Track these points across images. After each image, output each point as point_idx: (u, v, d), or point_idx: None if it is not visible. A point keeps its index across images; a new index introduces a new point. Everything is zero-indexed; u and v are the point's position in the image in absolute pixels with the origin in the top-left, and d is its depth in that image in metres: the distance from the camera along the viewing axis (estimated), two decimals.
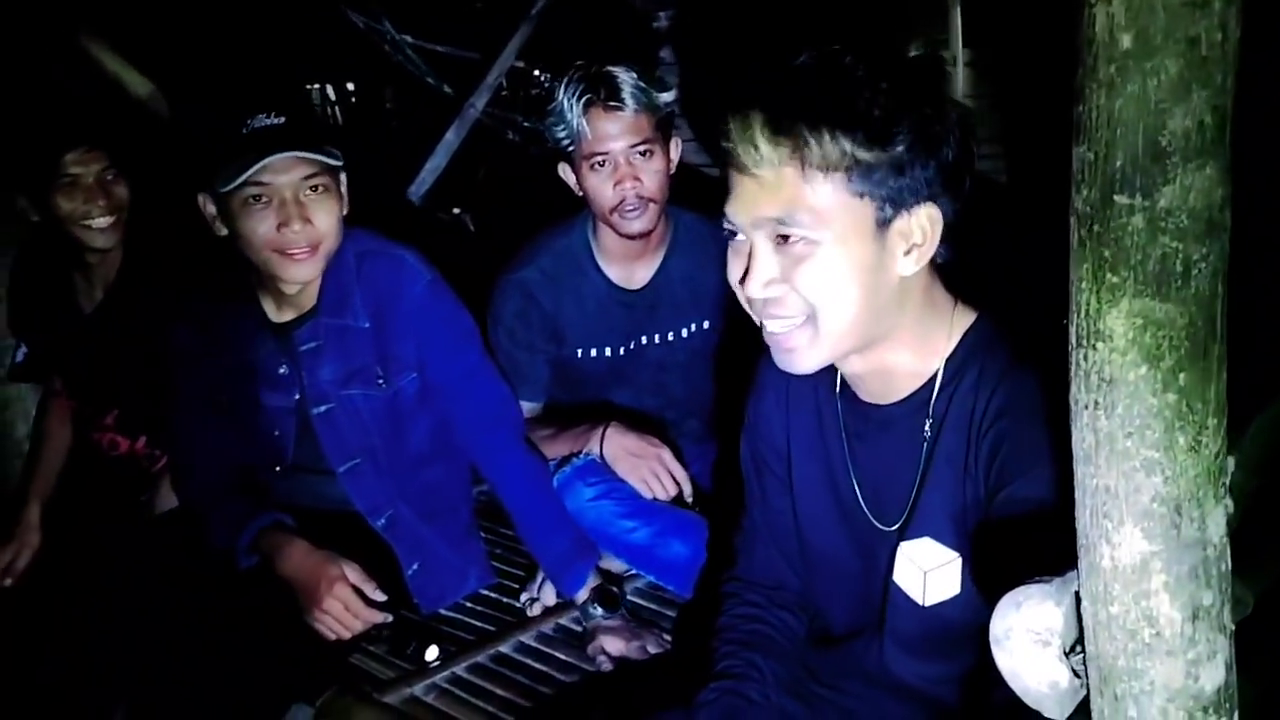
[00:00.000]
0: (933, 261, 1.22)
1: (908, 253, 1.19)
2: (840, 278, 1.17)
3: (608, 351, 2.30)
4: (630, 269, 2.28)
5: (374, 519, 2.03)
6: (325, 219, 1.86)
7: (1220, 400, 0.80)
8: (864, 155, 1.13)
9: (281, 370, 2.00)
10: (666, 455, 2.11)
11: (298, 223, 1.82)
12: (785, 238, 1.17)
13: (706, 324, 2.33)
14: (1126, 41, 0.75)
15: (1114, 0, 0.74)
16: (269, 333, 2.00)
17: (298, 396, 2.00)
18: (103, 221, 2.19)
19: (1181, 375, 0.80)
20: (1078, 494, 0.88)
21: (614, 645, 1.89)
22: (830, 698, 1.43)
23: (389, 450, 2.03)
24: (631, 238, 2.18)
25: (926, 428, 1.26)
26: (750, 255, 1.20)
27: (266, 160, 1.77)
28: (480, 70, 3.66)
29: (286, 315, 2.00)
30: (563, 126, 2.10)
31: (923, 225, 1.18)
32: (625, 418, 2.20)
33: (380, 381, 1.98)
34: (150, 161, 2.29)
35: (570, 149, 2.12)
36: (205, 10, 4.06)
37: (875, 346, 1.24)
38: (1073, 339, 0.85)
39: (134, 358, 2.25)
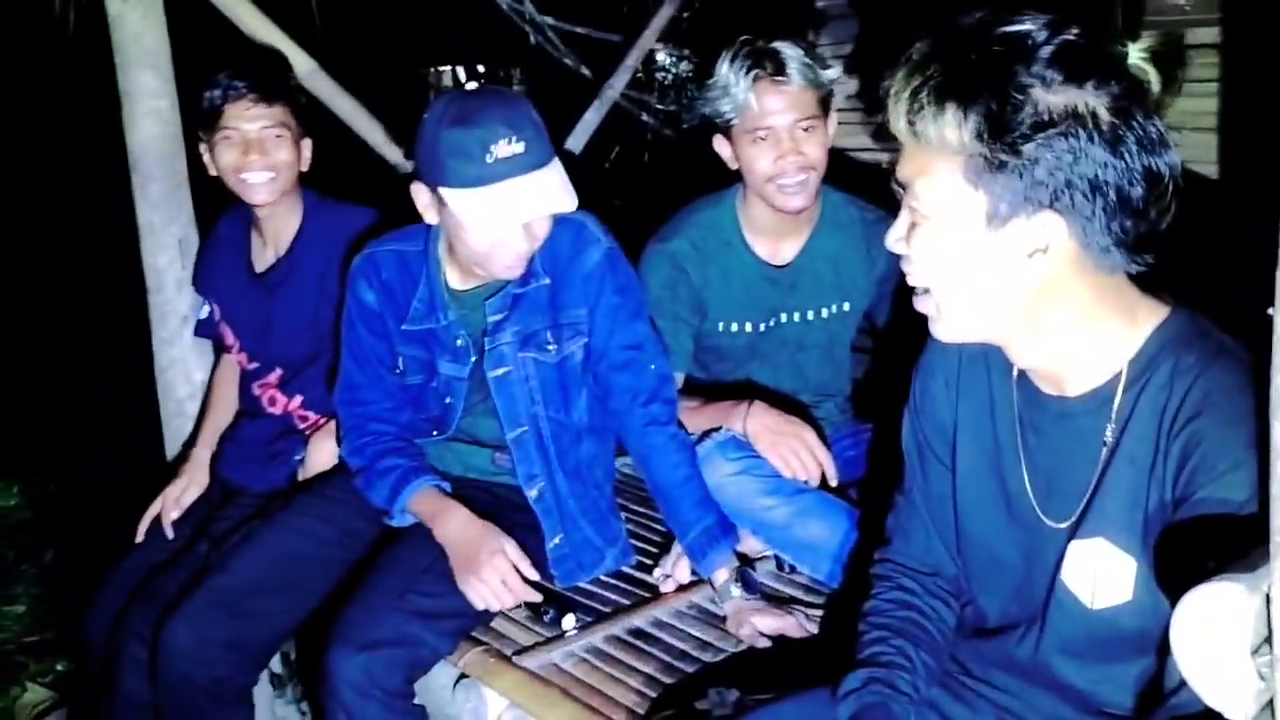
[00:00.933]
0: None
1: (1031, 255, 1.14)
2: (946, 259, 1.18)
3: (748, 327, 2.31)
4: (777, 244, 2.29)
5: (528, 488, 2.07)
6: (544, 235, 1.91)
7: None
8: (980, 150, 1.11)
9: (459, 341, 2.04)
10: (809, 435, 2.09)
11: (527, 244, 1.88)
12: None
13: (847, 305, 2.32)
14: None
15: None
16: (451, 300, 2.04)
17: (474, 359, 2.04)
18: (257, 177, 2.24)
19: None
20: (1275, 488, 0.85)
21: (767, 623, 1.89)
22: (981, 691, 1.40)
23: (552, 420, 2.06)
24: (787, 213, 2.18)
25: (1110, 425, 1.21)
26: None
27: (517, 206, 1.80)
28: (619, 52, 3.68)
29: (470, 284, 2.03)
30: (727, 100, 2.12)
31: (1043, 234, 1.13)
32: (767, 398, 2.19)
33: (550, 346, 2.02)
34: (315, 131, 2.35)
35: (731, 122, 2.14)
36: None
37: (1030, 338, 1.21)
38: (1279, 326, 0.82)
39: (299, 319, 2.34)
